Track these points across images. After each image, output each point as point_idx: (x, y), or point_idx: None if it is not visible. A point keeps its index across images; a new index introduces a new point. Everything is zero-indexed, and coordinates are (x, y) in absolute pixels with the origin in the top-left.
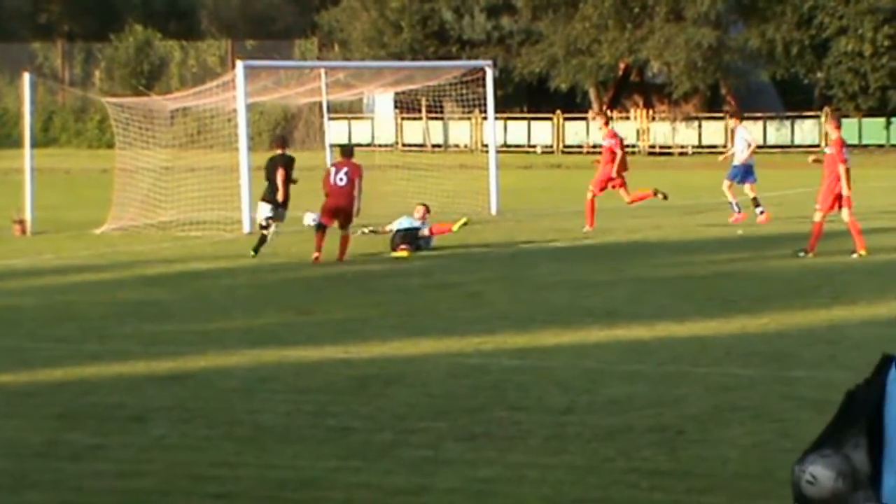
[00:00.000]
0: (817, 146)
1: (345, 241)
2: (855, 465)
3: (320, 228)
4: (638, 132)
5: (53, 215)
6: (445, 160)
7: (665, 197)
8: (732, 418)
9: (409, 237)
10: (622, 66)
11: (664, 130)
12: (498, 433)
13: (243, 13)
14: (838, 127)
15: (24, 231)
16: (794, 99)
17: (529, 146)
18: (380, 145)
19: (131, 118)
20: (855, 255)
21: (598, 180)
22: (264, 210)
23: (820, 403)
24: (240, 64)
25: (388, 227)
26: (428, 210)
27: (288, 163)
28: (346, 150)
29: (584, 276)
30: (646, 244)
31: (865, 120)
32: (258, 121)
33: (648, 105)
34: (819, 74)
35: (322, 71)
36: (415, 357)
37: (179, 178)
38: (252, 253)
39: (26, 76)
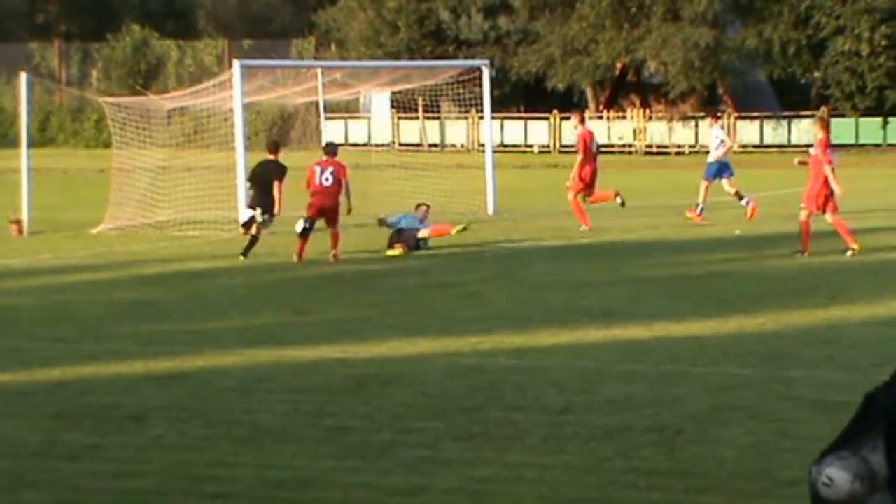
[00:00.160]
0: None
1: (335, 237)
2: (873, 467)
3: (304, 235)
4: (635, 132)
5: (50, 215)
6: (442, 160)
7: (623, 203)
8: (730, 418)
9: (407, 237)
10: (619, 65)
11: (661, 130)
12: (495, 433)
13: (240, 13)
14: (824, 127)
15: (20, 231)
16: (791, 99)
17: (526, 146)
18: (376, 145)
19: (128, 118)
20: (849, 253)
21: (575, 180)
22: (247, 214)
23: (818, 403)
24: (236, 63)
25: (388, 220)
26: (428, 209)
27: (282, 173)
28: (330, 149)
29: (581, 276)
30: (642, 244)
31: (862, 119)
32: (255, 120)
33: (645, 105)
34: (816, 74)
35: (319, 70)
36: (412, 357)
37: (176, 177)
38: (241, 256)
39: (23, 76)
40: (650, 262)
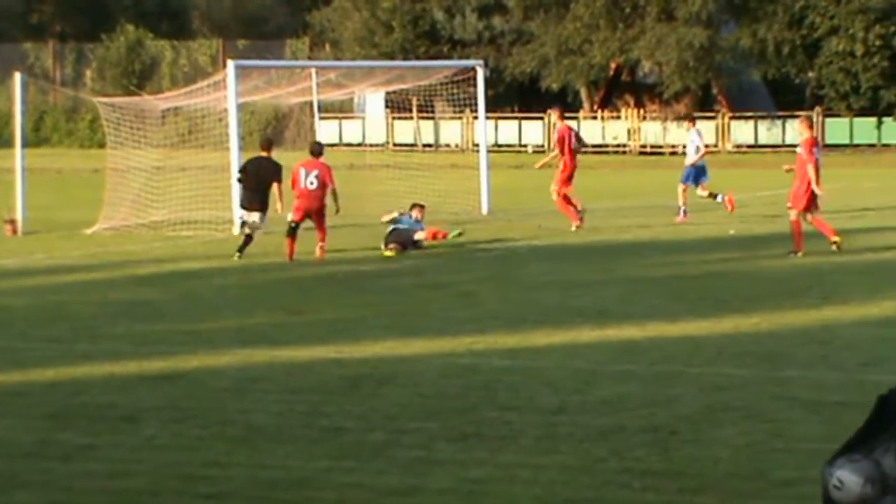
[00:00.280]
0: None
1: (322, 233)
2: (885, 470)
3: (291, 233)
4: (629, 132)
5: (45, 215)
6: (436, 160)
7: (577, 229)
8: (724, 418)
9: (403, 238)
10: (613, 65)
11: (655, 130)
12: (489, 433)
13: (235, 13)
14: (810, 127)
15: (15, 231)
16: (785, 99)
17: (520, 146)
18: (370, 145)
19: (122, 118)
20: (833, 247)
21: (560, 179)
22: (240, 219)
23: (812, 403)
24: (231, 63)
25: (384, 218)
26: (423, 209)
27: (279, 173)
28: (316, 149)
29: (575, 276)
30: (636, 244)
31: (857, 120)
32: (249, 120)
33: (640, 105)
34: (810, 74)
35: (313, 70)
36: (407, 357)
37: (171, 177)
38: (237, 255)
39: (17, 76)
40: (644, 262)
